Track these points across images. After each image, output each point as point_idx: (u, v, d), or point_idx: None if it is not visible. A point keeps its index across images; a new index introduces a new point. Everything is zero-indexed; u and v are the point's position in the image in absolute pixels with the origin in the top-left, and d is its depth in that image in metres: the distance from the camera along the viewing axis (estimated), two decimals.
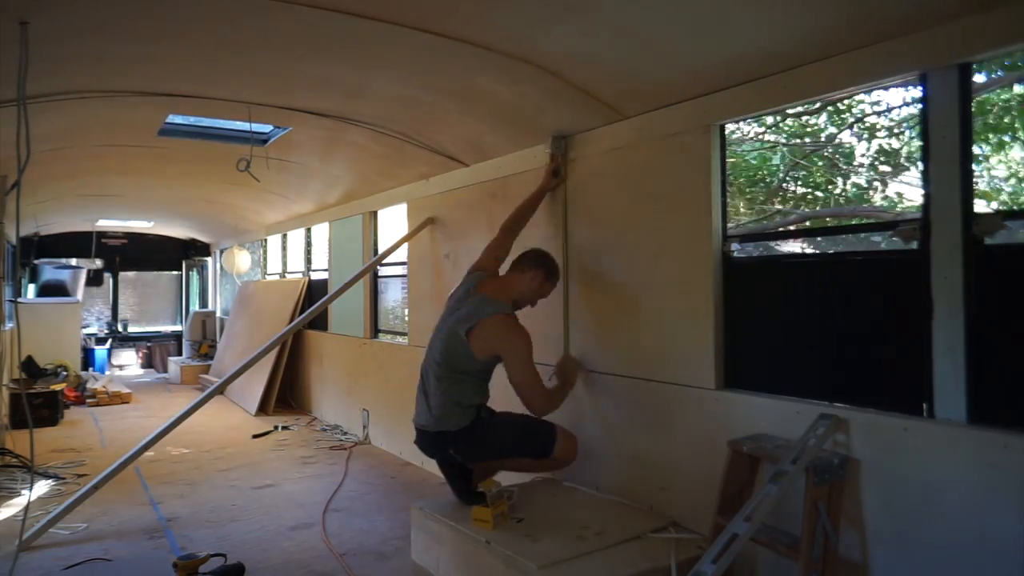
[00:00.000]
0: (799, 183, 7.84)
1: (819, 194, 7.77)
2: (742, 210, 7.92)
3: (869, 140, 7.25)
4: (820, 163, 7.66)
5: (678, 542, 2.71)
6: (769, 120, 7.33)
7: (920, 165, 2.26)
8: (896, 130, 7.20)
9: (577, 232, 3.54)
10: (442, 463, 3.31)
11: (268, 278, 9.19)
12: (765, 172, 7.83)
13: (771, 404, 2.60)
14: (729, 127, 2.91)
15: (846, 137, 7.49)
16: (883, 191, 7.46)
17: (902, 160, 7.16)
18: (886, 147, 7.24)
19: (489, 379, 3.24)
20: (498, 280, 3.35)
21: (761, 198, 7.95)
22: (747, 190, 7.88)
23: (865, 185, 7.53)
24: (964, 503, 2.02)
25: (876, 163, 7.32)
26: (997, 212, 2.12)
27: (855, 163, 7.52)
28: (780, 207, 7.89)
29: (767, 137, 7.66)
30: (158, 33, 2.87)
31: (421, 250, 5.02)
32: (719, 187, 2.82)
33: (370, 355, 5.85)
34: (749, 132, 7.55)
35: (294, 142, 4.79)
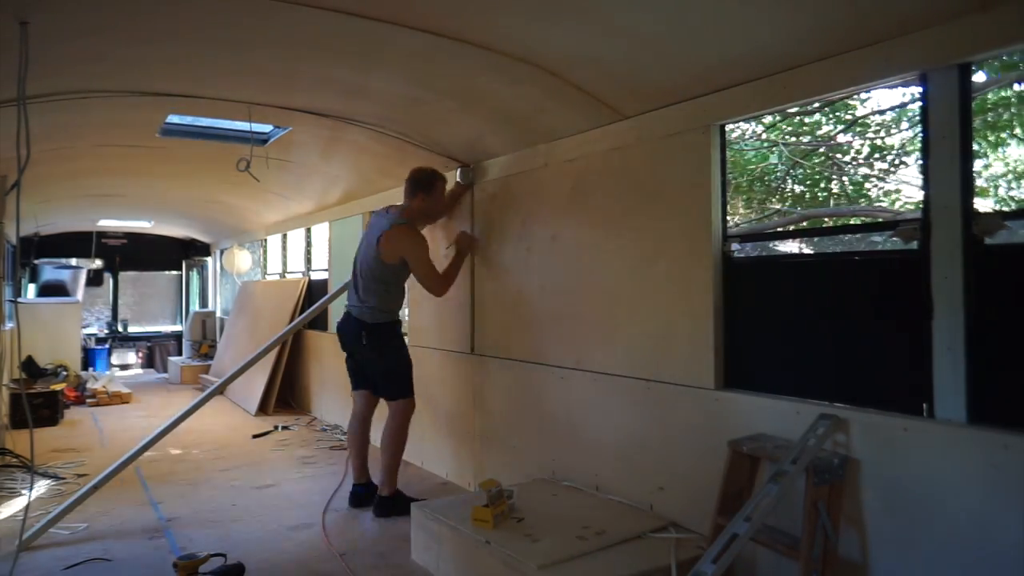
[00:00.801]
0: (797, 182, 7.84)
1: (818, 193, 7.78)
2: (741, 210, 7.92)
3: (868, 140, 7.26)
4: (817, 162, 7.67)
5: (678, 542, 2.71)
6: (768, 119, 7.33)
7: (920, 165, 2.26)
8: (896, 130, 7.20)
9: (577, 232, 3.54)
10: (352, 369, 4.14)
11: (268, 278, 9.19)
12: (764, 172, 7.84)
13: (771, 404, 2.60)
14: (729, 126, 2.91)
15: (846, 136, 7.50)
16: (882, 191, 7.47)
17: (902, 160, 7.16)
18: (886, 147, 7.25)
19: (403, 289, 4.05)
20: (398, 205, 4.03)
21: (760, 197, 7.95)
22: (746, 188, 7.89)
23: (866, 185, 7.54)
24: (964, 503, 2.02)
25: (874, 162, 7.33)
26: (997, 212, 2.12)
27: (855, 162, 7.52)
28: (779, 207, 7.90)
29: (767, 136, 7.66)
30: (158, 33, 2.87)
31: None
32: (719, 187, 2.82)
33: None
34: (748, 131, 7.55)
35: (294, 142, 4.79)
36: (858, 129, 7.23)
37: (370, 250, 3.89)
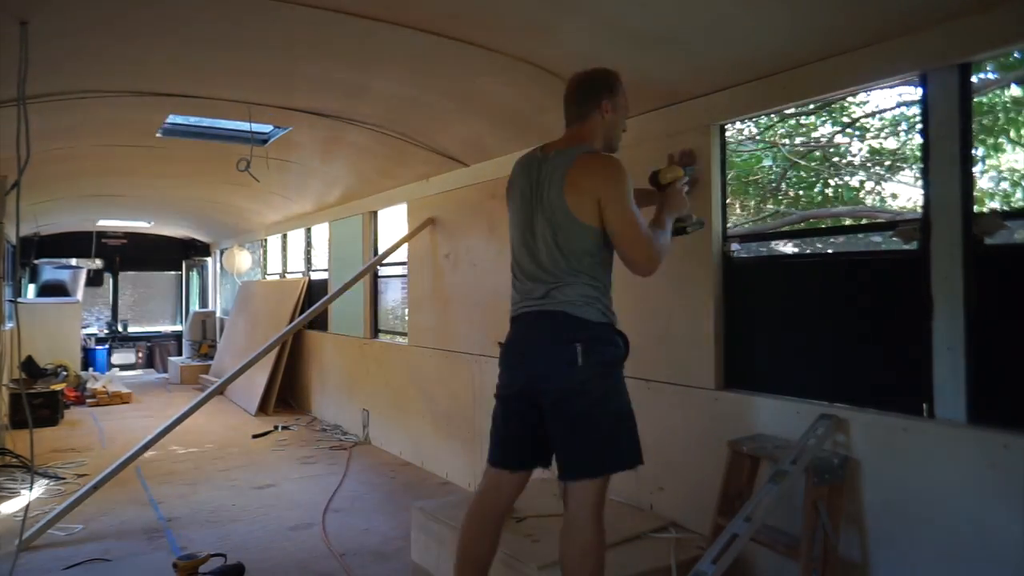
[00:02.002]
0: (794, 182, 7.84)
1: (816, 194, 7.77)
2: (739, 211, 7.92)
3: (866, 141, 7.26)
4: (815, 164, 7.66)
5: (678, 542, 2.71)
6: (763, 120, 7.33)
7: (920, 165, 2.26)
8: (895, 130, 7.20)
9: None
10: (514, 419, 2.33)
11: (268, 278, 9.19)
12: (761, 174, 7.84)
13: (771, 404, 2.60)
14: (730, 123, 2.91)
15: (845, 137, 7.50)
16: (882, 191, 7.46)
17: (902, 160, 7.16)
18: (886, 147, 7.24)
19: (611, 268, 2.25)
20: (565, 136, 2.42)
21: (757, 199, 7.95)
22: (741, 191, 7.88)
23: (866, 186, 7.53)
24: (964, 503, 2.02)
25: (873, 163, 7.33)
26: (997, 212, 2.12)
27: (854, 163, 7.52)
28: (776, 208, 7.89)
29: (762, 138, 7.66)
30: (158, 33, 2.87)
31: (421, 250, 5.02)
32: (719, 187, 2.82)
33: (370, 355, 5.85)
34: (744, 130, 7.56)
35: (294, 142, 4.79)
36: (856, 133, 7.23)
37: (556, 202, 2.16)
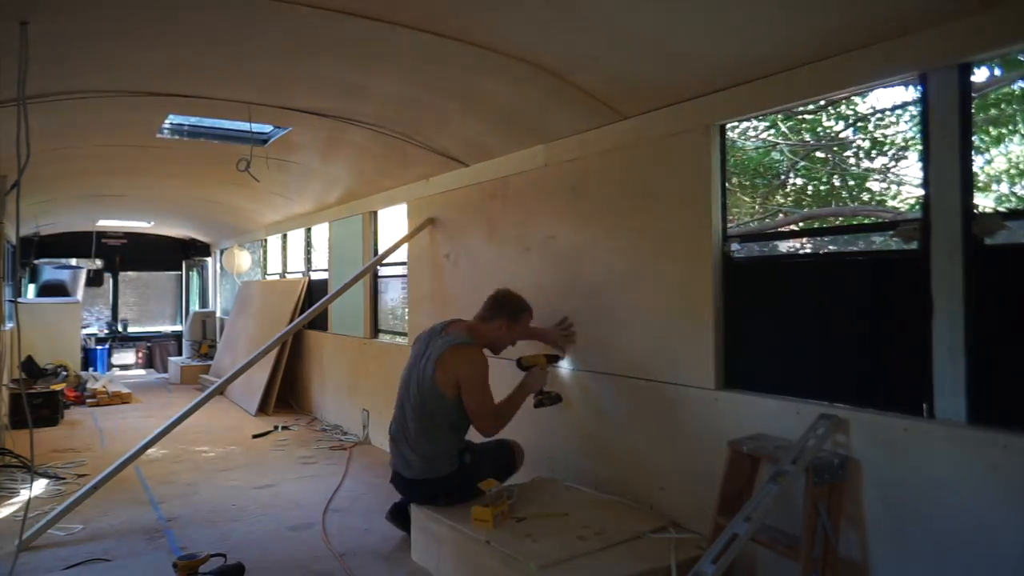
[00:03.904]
0: (799, 177, 7.85)
1: (820, 191, 7.77)
2: (744, 206, 7.92)
3: (870, 140, 7.26)
4: (819, 164, 7.67)
5: (678, 542, 2.71)
6: (769, 118, 7.34)
7: (920, 165, 2.26)
8: (895, 130, 7.21)
9: (576, 232, 3.54)
10: (395, 509, 3.46)
11: (268, 278, 9.19)
12: (765, 169, 7.84)
13: (771, 404, 2.60)
14: (730, 124, 2.91)
15: (848, 136, 7.50)
16: (882, 191, 7.46)
17: (902, 160, 7.16)
18: (885, 147, 7.25)
19: (466, 424, 3.23)
20: (465, 323, 3.36)
21: (762, 193, 7.95)
22: (748, 186, 7.89)
23: (867, 184, 7.54)
24: (964, 503, 2.02)
25: (873, 161, 7.33)
26: (997, 212, 2.12)
27: (856, 162, 7.52)
28: (781, 201, 7.90)
29: (769, 133, 7.67)
30: (158, 33, 2.87)
31: (421, 250, 5.02)
32: (719, 187, 2.82)
33: (370, 355, 5.85)
34: (749, 128, 7.56)
35: (294, 142, 4.79)
36: (860, 131, 7.24)
37: (425, 375, 3.12)
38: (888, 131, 7.32)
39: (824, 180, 7.81)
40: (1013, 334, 2.02)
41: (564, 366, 3.59)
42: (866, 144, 7.37)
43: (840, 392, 2.44)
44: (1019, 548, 1.90)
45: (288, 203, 7.11)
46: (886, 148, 7.31)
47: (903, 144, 7.09)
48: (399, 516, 3.44)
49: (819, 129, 7.64)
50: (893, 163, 7.35)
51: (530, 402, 3.37)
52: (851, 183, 7.67)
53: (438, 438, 3.16)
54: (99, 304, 11.77)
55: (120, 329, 11.49)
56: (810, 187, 7.93)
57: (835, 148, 7.57)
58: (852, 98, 6.89)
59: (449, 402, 3.11)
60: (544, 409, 3.70)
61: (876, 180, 7.50)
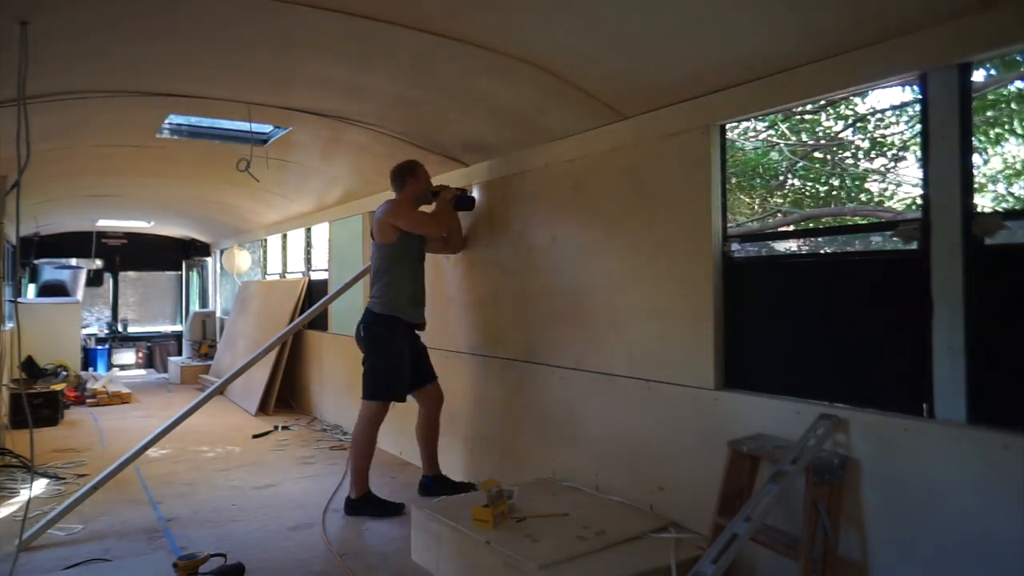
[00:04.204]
0: (799, 178, 7.85)
1: (822, 185, 7.78)
2: (744, 206, 7.93)
3: (869, 141, 7.26)
4: (818, 165, 7.68)
5: (678, 542, 2.71)
6: (769, 118, 7.34)
7: (920, 165, 2.26)
8: (895, 130, 7.21)
9: (577, 232, 3.54)
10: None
11: (268, 278, 9.19)
12: (765, 169, 7.85)
13: (771, 404, 2.60)
14: (730, 124, 2.91)
15: (847, 136, 7.50)
16: (882, 191, 7.47)
17: (901, 160, 7.16)
18: (886, 148, 7.25)
19: (409, 277, 3.99)
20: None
21: (761, 194, 7.95)
22: (747, 187, 7.89)
23: (866, 184, 7.54)
24: (964, 503, 2.02)
25: (873, 161, 7.34)
26: (997, 212, 2.12)
27: (855, 163, 7.53)
28: (780, 202, 7.90)
29: (769, 134, 7.67)
30: (158, 33, 2.87)
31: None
32: (719, 187, 2.82)
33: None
34: (749, 129, 7.56)
35: (294, 142, 4.79)
36: (859, 131, 7.24)
37: (373, 247, 4.04)
38: (888, 131, 7.32)
39: (824, 180, 7.82)
40: (1013, 334, 2.02)
41: (568, 365, 3.59)
42: (866, 144, 7.38)
43: (840, 392, 2.44)
44: (1019, 548, 1.90)
45: (288, 203, 7.11)
46: (886, 148, 7.31)
47: (903, 144, 7.09)
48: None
49: (819, 129, 7.64)
50: (893, 163, 7.35)
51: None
52: (851, 183, 7.68)
53: (388, 280, 3.94)
54: (99, 304, 11.77)
55: (120, 329, 11.49)
56: (809, 187, 7.94)
57: (835, 148, 7.57)
58: (852, 98, 6.90)
59: (388, 245, 3.93)
60: (544, 410, 3.70)
61: (875, 181, 7.51)
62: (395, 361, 3.90)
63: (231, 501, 4.18)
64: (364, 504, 3.89)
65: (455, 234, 4.25)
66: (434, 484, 4.09)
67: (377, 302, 3.92)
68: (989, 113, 5.91)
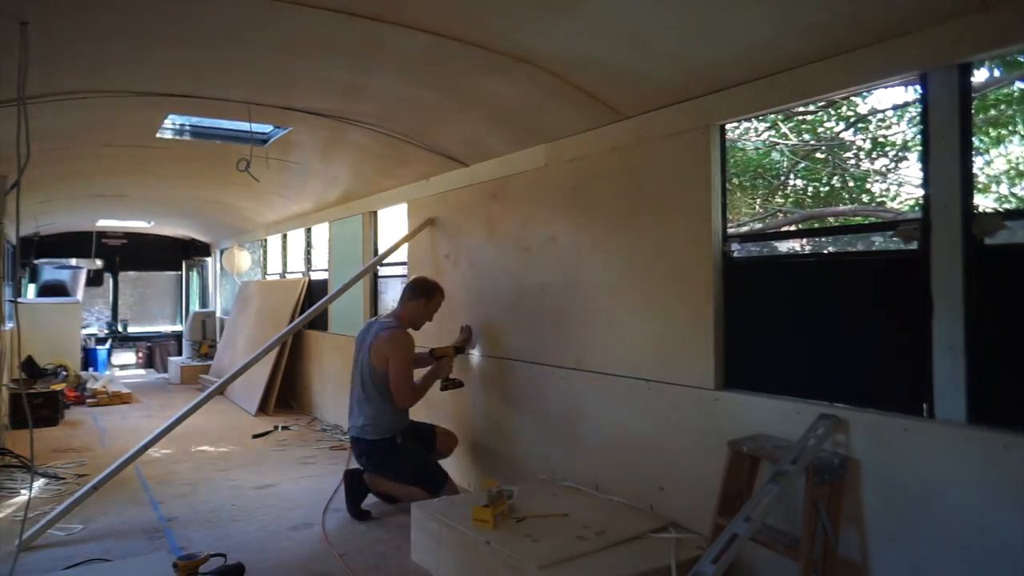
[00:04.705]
0: (800, 178, 7.86)
1: (821, 192, 7.78)
2: (744, 206, 7.93)
3: (870, 141, 7.26)
4: (819, 165, 7.68)
5: (678, 542, 2.71)
6: (770, 117, 7.34)
7: (920, 164, 2.26)
8: (895, 130, 7.21)
9: (577, 232, 3.54)
10: (349, 474, 4.00)
11: (268, 278, 9.19)
12: (765, 170, 7.85)
13: (771, 404, 2.60)
14: (730, 124, 2.91)
15: (848, 136, 7.50)
16: (882, 192, 7.47)
17: (902, 160, 7.16)
18: (887, 148, 7.25)
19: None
20: (395, 312, 4.12)
21: (763, 194, 7.95)
22: (749, 187, 7.89)
23: (867, 184, 7.54)
24: (964, 503, 2.02)
25: (874, 162, 7.34)
26: (997, 212, 2.12)
27: (856, 163, 7.53)
28: (781, 202, 7.90)
29: (770, 133, 7.68)
30: (158, 33, 2.87)
31: (421, 250, 5.03)
32: (719, 187, 2.82)
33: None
34: (749, 129, 7.57)
35: (294, 142, 4.79)
36: (860, 131, 7.24)
37: (364, 356, 3.90)
38: (888, 132, 7.32)
39: (824, 181, 7.82)
40: (1013, 334, 2.02)
41: (568, 365, 3.59)
42: (866, 145, 7.38)
43: (840, 392, 2.44)
44: (1019, 547, 1.90)
45: (288, 203, 7.11)
46: (886, 149, 7.31)
47: (903, 144, 7.10)
48: (352, 483, 3.97)
49: (819, 130, 7.64)
50: (893, 164, 7.35)
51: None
52: (851, 184, 7.68)
53: (378, 406, 3.85)
54: (99, 304, 11.77)
55: (120, 329, 11.49)
56: (810, 188, 7.94)
57: (835, 149, 7.57)
58: (852, 98, 6.89)
59: (375, 371, 3.84)
60: (544, 410, 3.70)
61: (876, 181, 7.51)
62: (420, 459, 3.89)
63: (231, 501, 4.18)
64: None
65: (419, 393, 3.95)
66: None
67: (373, 428, 3.82)
68: (992, 112, 5.91)
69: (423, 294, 4.06)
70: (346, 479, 3.98)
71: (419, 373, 4.03)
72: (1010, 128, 5.99)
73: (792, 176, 7.85)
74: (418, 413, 4.21)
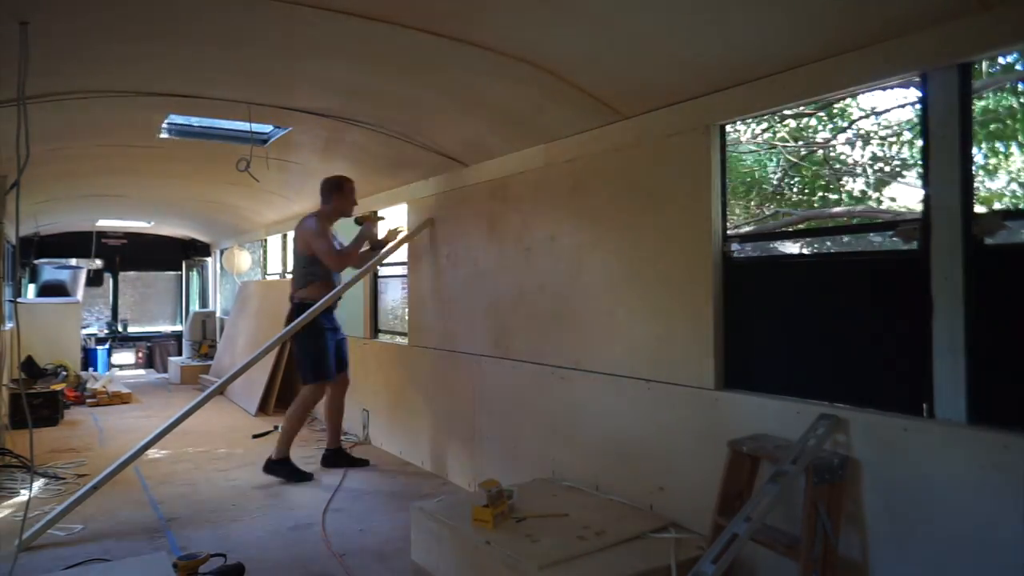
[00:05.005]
0: (796, 182, 7.85)
1: (818, 195, 7.78)
2: (743, 207, 7.93)
3: (868, 141, 7.26)
4: (816, 167, 7.67)
5: (678, 542, 2.71)
6: (765, 123, 7.34)
7: (920, 165, 2.26)
8: (896, 130, 7.21)
9: (576, 232, 3.54)
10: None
11: (268, 278, 9.18)
12: (762, 176, 7.85)
13: (771, 404, 2.60)
14: (728, 127, 2.91)
15: (845, 137, 7.50)
16: (883, 191, 7.46)
17: (902, 160, 7.16)
18: (886, 147, 7.25)
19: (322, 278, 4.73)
20: (318, 211, 4.87)
21: (758, 201, 7.95)
22: (743, 193, 7.89)
23: (865, 187, 7.54)
24: (964, 503, 2.02)
25: (874, 162, 7.33)
26: (997, 212, 2.12)
27: (855, 163, 7.53)
28: (778, 207, 7.90)
29: (766, 137, 7.67)
30: (158, 33, 2.87)
31: (421, 250, 5.03)
32: (719, 187, 2.82)
33: (370, 355, 5.85)
34: (749, 128, 7.56)
35: (294, 142, 4.79)
36: (858, 135, 7.24)
37: (295, 246, 4.93)
38: (888, 131, 7.32)
39: (823, 180, 7.81)
40: (1013, 334, 2.02)
41: (568, 365, 3.59)
42: (866, 144, 7.37)
43: (840, 392, 2.44)
44: (1019, 548, 1.90)
45: (288, 203, 7.10)
46: (886, 148, 7.30)
47: (903, 144, 7.09)
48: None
49: (819, 129, 7.64)
50: (892, 164, 7.35)
51: None
52: (851, 183, 7.68)
53: (310, 281, 4.73)
54: (99, 304, 11.77)
55: (120, 329, 11.49)
56: (810, 187, 7.93)
57: (835, 148, 7.57)
58: (851, 98, 6.89)
59: (308, 257, 4.70)
60: (544, 410, 3.70)
61: (875, 180, 7.50)
62: (318, 346, 4.76)
63: (231, 501, 4.18)
64: (281, 467, 4.62)
65: (351, 259, 4.81)
66: (335, 456, 5.00)
67: (300, 296, 4.74)
68: (992, 127, 5.91)
69: (334, 189, 4.80)
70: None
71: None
72: (1013, 140, 5.98)
73: (791, 176, 7.84)
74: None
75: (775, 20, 2.30)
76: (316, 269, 4.70)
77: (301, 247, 4.75)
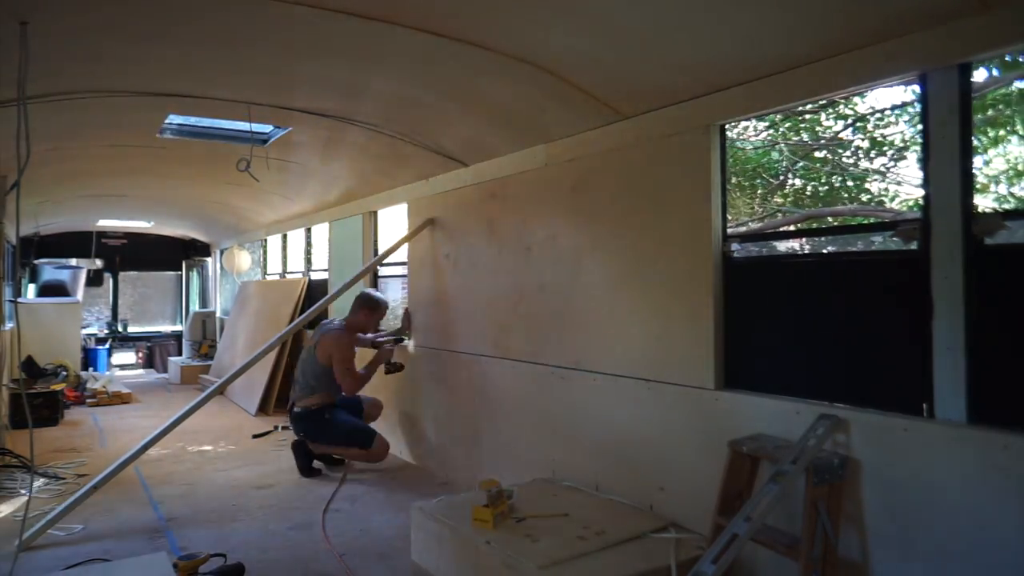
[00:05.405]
0: (799, 177, 7.85)
1: (820, 192, 7.78)
2: (744, 206, 7.93)
3: (870, 141, 7.26)
4: (818, 164, 7.67)
5: (678, 542, 2.71)
6: (769, 118, 7.34)
7: (920, 164, 2.26)
8: (895, 130, 7.21)
9: (576, 232, 3.54)
10: (295, 443, 4.85)
11: (268, 278, 9.18)
12: (765, 169, 7.85)
13: (771, 404, 2.60)
14: (730, 124, 2.92)
15: (847, 136, 7.50)
16: (882, 191, 7.46)
17: (901, 160, 7.16)
18: (886, 147, 7.25)
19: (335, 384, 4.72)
20: (344, 319, 4.95)
21: (763, 191, 7.95)
22: (748, 187, 7.89)
23: (870, 179, 7.54)
24: (964, 503, 2.02)
25: (873, 161, 7.34)
26: (997, 212, 2.12)
27: (855, 163, 7.53)
28: (780, 201, 7.90)
29: (769, 133, 7.68)
30: (158, 33, 2.87)
31: (421, 250, 5.03)
32: (719, 187, 2.82)
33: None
34: (749, 128, 7.57)
35: (294, 142, 4.79)
36: (859, 131, 7.24)
37: (311, 352, 4.81)
38: (888, 131, 7.32)
39: (824, 180, 7.82)
40: (1013, 334, 2.02)
41: (568, 365, 3.59)
42: (866, 144, 7.38)
43: (840, 392, 2.44)
44: (1019, 547, 1.90)
45: (288, 203, 7.11)
46: (885, 148, 7.31)
47: (903, 144, 7.09)
48: (299, 450, 4.83)
49: (819, 129, 7.64)
50: (893, 163, 7.35)
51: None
52: (851, 183, 7.68)
53: (317, 392, 4.72)
54: (99, 304, 11.76)
55: (120, 329, 11.48)
56: (809, 187, 7.94)
57: (835, 148, 7.57)
58: (852, 98, 6.89)
59: (320, 364, 4.70)
60: (544, 410, 3.70)
61: (876, 180, 7.51)
62: (347, 421, 4.77)
63: (231, 501, 4.18)
64: (305, 456, 4.78)
65: (362, 381, 4.80)
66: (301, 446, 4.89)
67: (308, 408, 4.72)
68: (990, 112, 5.91)
69: (369, 306, 4.91)
70: (294, 448, 4.82)
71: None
72: (1008, 128, 5.98)
73: (791, 176, 7.85)
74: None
75: (775, 20, 2.30)
76: (326, 381, 4.69)
77: (322, 356, 4.68)
